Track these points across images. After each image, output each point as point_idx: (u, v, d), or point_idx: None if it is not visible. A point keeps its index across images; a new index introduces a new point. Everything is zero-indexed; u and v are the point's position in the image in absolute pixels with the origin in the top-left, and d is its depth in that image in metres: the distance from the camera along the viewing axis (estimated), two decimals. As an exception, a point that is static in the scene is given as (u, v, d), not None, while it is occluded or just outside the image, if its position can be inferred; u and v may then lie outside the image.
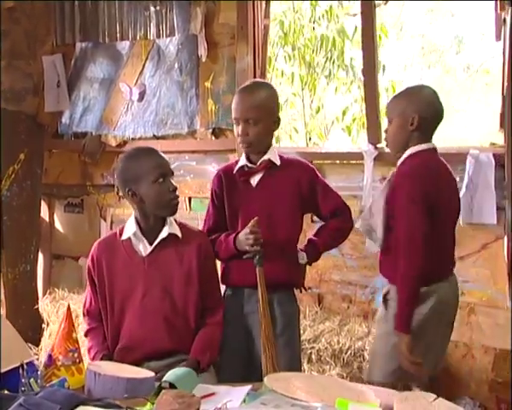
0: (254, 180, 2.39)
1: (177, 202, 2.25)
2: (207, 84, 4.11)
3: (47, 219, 4.66)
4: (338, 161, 3.76)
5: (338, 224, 2.42)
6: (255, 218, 2.28)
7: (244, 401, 1.75)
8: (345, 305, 3.76)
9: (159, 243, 2.24)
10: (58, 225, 4.69)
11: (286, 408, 1.57)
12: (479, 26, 6.14)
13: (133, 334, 2.24)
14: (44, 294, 4.40)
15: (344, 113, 6.34)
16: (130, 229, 2.26)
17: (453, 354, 3.39)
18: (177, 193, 2.25)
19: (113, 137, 4.40)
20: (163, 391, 1.50)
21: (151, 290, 2.22)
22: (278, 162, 2.37)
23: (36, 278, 4.55)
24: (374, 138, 3.62)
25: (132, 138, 4.34)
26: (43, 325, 4.13)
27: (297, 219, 2.42)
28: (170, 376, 1.84)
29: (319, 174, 2.47)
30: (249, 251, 2.27)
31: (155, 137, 4.30)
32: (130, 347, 2.23)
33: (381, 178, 3.62)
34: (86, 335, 2.33)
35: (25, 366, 1.74)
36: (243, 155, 2.42)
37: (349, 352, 3.21)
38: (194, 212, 4.21)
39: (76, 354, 1.91)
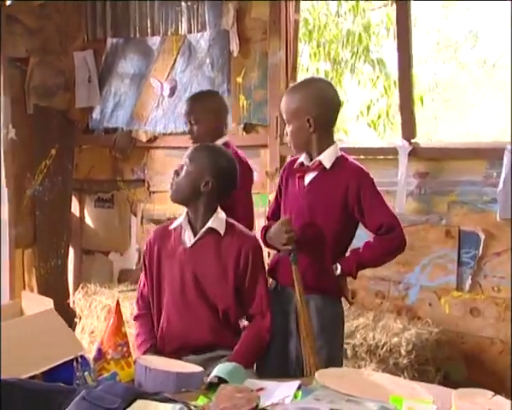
0: (307, 179, 2.34)
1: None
2: (239, 79, 4.11)
3: (77, 214, 4.70)
4: (371, 157, 3.73)
5: (385, 243, 2.26)
6: (287, 216, 2.28)
7: (295, 396, 1.75)
8: (378, 301, 3.74)
9: (202, 237, 2.24)
10: (88, 220, 4.73)
11: (340, 404, 1.56)
12: (494, 21, 6.07)
13: (171, 326, 2.24)
14: (75, 288, 4.44)
15: (368, 107, 6.33)
16: (180, 218, 2.28)
17: (489, 351, 3.37)
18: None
19: (144, 132, 4.42)
20: (221, 386, 1.50)
21: (189, 282, 2.22)
22: (328, 166, 2.29)
23: (67, 272, 4.60)
24: (408, 134, 3.59)
25: (163, 134, 4.36)
26: (76, 320, 4.16)
27: (340, 225, 2.31)
28: (219, 370, 1.84)
29: (372, 184, 2.31)
30: (281, 249, 2.27)
31: (186, 133, 4.29)
32: (168, 338, 2.24)
33: (415, 174, 3.61)
34: (135, 320, 2.35)
35: (79, 360, 1.76)
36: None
37: (385, 348, 3.19)
38: (225, 207, 4.21)
39: (125, 349, 1.92)
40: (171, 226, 2.30)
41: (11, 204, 4.05)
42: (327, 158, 2.32)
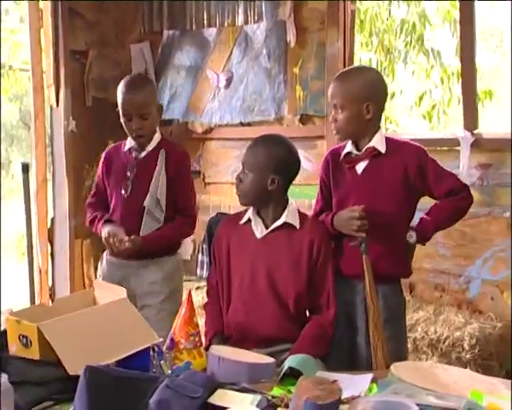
0: (360, 167, 2.32)
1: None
2: (295, 70, 4.09)
3: (133, 204, 4.74)
4: (432, 148, 3.66)
5: (454, 202, 2.28)
6: (361, 206, 2.24)
7: (370, 389, 1.73)
8: (437, 294, 3.69)
9: (274, 229, 2.23)
10: (144, 210, 4.76)
11: (420, 397, 1.54)
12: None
13: (238, 317, 2.23)
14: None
15: (420, 98, 6.23)
16: (250, 211, 2.27)
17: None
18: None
19: (200, 124, 4.44)
20: (301, 378, 1.49)
21: (258, 275, 2.22)
22: (383, 150, 2.29)
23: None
24: (470, 124, 3.52)
25: (219, 125, 4.37)
26: (133, 309, 4.21)
27: (404, 206, 2.32)
28: (292, 361, 1.84)
29: (427, 154, 2.33)
30: (353, 236, 2.24)
31: (242, 124, 4.31)
32: (234, 329, 2.24)
33: (477, 165, 3.54)
34: (205, 308, 2.36)
35: (156, 349, 1.77)
36: (350, 141, 2.37)
37: (447, 342, 3.15)
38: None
39: (197, 338, 1.92)
40: (241, 221, 2.29)
41: (70, 195, 4.12)
42: (379, 143, 2.31)
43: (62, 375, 1.68)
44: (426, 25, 6.14)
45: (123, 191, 2.64)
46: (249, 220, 2.27)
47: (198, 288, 4.00)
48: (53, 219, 4.18)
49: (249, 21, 4.18)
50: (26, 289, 5.81)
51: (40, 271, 4.08)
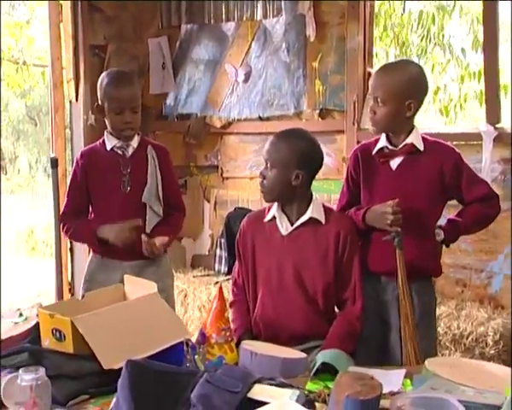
0: (394, 163, 2.30)
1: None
2: (315, 64, 4.08)
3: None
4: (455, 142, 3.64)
5: (484, 209, 2.30)
6: (396, 199, 2.22)
7: (403, 385, 1.72)
8: (458, 289, 3.68)
9: (299, 225, 2.22)
10: (161, 205, 4.76)
11: (459, 393, 1.53)
12: None
13: (266, 314, 2.22)
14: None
15: (435, 93, 6.18)
16: (274, 208, 2.25)
17: None
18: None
19: (218, 118, 4.43)
20: (340, 373, 1.48)
21: (285, 271, 2.20)
22: (421, 147, 2.27)
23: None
24: (493, 118, 3.50)
25: (238, 120, 4.36)
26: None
27: (436, 206, 2.32)
28: (325, 357, 1.83)
29: (462, 159, 2.33)
30: (387, 230, 2.22)
31: (261, 119, 4.30)
32: (263, 326, 2.23)
33: (500, 160, 3.51)
34: (231, 306, 2.34)
35: (189, 344, 1.77)
36: (383, 136, 2.33)
37: (470, 337, 3.14)
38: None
39: (228, 333, 1.92)
40: (266, 219, 2.26)
41: (90, 189, 4.12)
42: (417, 140, 2.29)
43: (97, 369, 1.68)
44: (444, 17, 6.09)
45: (123, 188, 2.58)
46: (274, 217, 2.25)
47: (217, 282, 4.00)
48: (72, 214, 4.18)
49: (268, 16, 4.16)
50: (35, 284, 5.83)
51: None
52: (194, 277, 4.28)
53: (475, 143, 3.54)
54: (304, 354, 1.90)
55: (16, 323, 2.03)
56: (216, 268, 4.35)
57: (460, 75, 5.96)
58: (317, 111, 4.09)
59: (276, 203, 2.25)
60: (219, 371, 1.48)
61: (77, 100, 4.08)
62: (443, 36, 6.08)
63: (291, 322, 2.18)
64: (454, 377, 1.66)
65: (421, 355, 2.11)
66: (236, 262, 2.37)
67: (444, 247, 2.37)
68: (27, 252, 8.25)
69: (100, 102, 2.57)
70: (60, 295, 2.50)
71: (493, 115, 3.51)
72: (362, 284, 2.21)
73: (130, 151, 2.60)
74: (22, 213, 9.20)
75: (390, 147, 2.32)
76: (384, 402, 1.46)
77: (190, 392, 1.39)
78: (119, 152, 2.60)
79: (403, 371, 1.81)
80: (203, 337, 1.91)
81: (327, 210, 2.24)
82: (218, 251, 4.37)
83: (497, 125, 3.49)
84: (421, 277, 2.31)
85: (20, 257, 7.83)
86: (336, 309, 2.27)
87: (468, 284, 3.65)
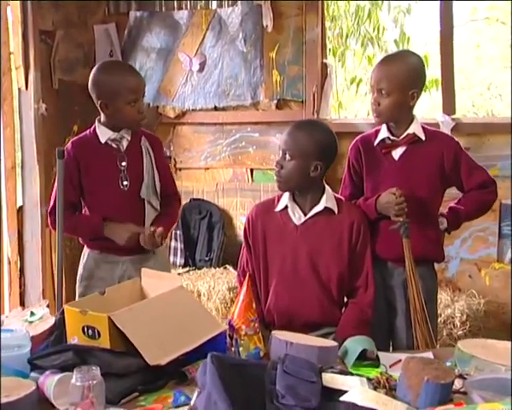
0: (396, 153, 2.36)
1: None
2: (272, 54, 4.09)
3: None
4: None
5: (483, 195, 2.39)
6: (399, 190, 2.27)
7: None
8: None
9: (314, 214, 2.23)
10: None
11: (505, 374, 1.59)
12: None
13: (280, 303, 2.23)
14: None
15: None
16: (286, 198, 2.25)
17: None
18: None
19: (172, 108, 4.36)
20: (406, 357, 1.51)
21: (300, 260, 2.22)
22: (423, 137, 2.34)
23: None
24: (449, 109, 3.65)
25: (192, 110, 4.31)
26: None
27: (438, 194, 2.40)
28: (361, 343, 1.87)
29: (463, 148, 2.42)
30: (394, 220, 2.28)
31: (216, 109, 4.27)
32: (277, 315, 2.23)
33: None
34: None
35: (234, 336, 1.75)
36: (384, 127, 2.38)
37: (438, 319, 3.26)
38: (256, 183, 4.22)
39: (256, 324, 1.90)
40: (277, 209, 2.26)
41: (41, 182, 3.95)
42: (418, 130, 2.36)
43: (143, 365, 1.64)
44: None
45: (120, 184, 2.48)
46: (285, 207, 2.26)
47: (179, 275, 3.94)
48: (22, 208, 4.00)
49: (223, 5, 4.14)
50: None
51: (9, 262, 3.91)
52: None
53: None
54: (335, 343, 1.92)
55: (31, 322, 1.93)
56: (171, 260, 4.29)
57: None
58: (275, 101, 4.11)
59: (287, 193, 2.25)
60: (286, 362, 1.48)
61: (26, 88, 3.88)
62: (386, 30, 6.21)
63: (306, 310, 2.20)
64: (489, 358, 1.73)
65: (435, 337, 2.20)
66: (243, 251, 2.35)
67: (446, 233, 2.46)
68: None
69: (104, 98, 2.40)
70: (60, 295, 2.40)
71: (450, 106, 3.66)
72: (373, 272, 2.26)
73: (124, 144, 2.49)
74: None
75: (392, 137, 2.37)
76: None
77: (270, 384, 1.38)
78: (114, 145, 2.48)
79: (430, 354, 1.88)
80: (232, 329, 1.89)
81: (338, 200, 2.27)
82: (173, 243, 4.31)
83: (452, 116, 3.64)
84: (425, 263, 2.39)
85: None
86: (346, 297, 2.31)
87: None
